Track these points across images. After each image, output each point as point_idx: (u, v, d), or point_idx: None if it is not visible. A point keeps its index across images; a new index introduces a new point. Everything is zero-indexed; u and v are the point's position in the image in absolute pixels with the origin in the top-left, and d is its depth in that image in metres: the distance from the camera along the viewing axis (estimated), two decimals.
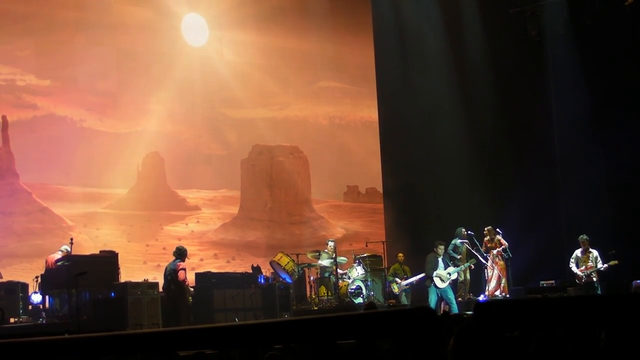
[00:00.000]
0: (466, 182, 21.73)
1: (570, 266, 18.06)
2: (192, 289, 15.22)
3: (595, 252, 17.87)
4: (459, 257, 18.64)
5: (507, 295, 18.54)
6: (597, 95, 20.75)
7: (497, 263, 18.77)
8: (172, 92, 19.71)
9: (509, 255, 18.59)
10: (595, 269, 17.75)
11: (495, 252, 18.77)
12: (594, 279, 17.83)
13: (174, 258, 15.17)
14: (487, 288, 18.74)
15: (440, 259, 17.75)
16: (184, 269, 14.93)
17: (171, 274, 14.92)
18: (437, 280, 17.58)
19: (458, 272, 18.16)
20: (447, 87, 21.96)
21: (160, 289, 15.43)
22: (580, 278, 17.89)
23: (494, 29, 21.77)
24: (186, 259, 15.29)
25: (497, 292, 18.70)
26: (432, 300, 17.64)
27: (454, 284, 18.32)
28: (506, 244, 18.78)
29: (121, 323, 14.11)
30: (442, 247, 17.98)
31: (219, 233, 20.20)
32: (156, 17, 19.77)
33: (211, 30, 20.60)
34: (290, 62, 22.02)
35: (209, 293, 16.19)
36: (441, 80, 22.01)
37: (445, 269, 17.69)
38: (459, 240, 18.82)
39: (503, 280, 18.76)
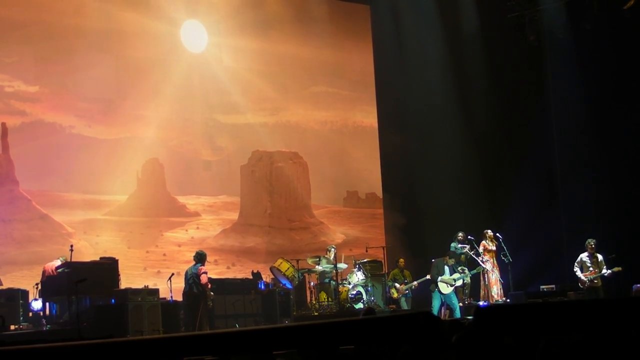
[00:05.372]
0: (466, 187, 21.74)
1: (575, 270, 18.02)
2: (212, 294, 15.64)
3: (600, 257, 17.86)
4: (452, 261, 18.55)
5: (507, 300, 18.53)
6: (596, 99, 20.78)
7: (496, 266, 18.79)
8: (171, 99, 19.72)
9: (509, 259, 18.58)
10: (599, 274, 17.72)
11: (492, 256, 18.80)
12: (599, 284, 17.80)
13: (194, 262, 15.79)
14: (489, 293, 18.67)
15: (447, 267, 17.74)
16: (206, 273, 15.58)
17: (193, 278, 15.52)
18: (441, 286, 17.57)
19: (464, 279, 18.13)
20: (446, 92, 21.98)
21: (182, 294, 15.87)
22: (583, 283, 17.86)
23: (493, 34, 21.81)
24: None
25: (497, 298, 18.70)
26: (435, 305, 17.65)
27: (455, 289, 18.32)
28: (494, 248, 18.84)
29: (122, 330, 14.09)
30: (452, 260, 17.97)
31: (219, 239, 20.20)
32: (155, 24, 19.78)
33: (210, 37, 20.62)
34: (289, 68, 22.04)
35: None
36: (440, 86, 22.04)
37: (451, 275, 17.68)
38: (456, 245, 18.78)
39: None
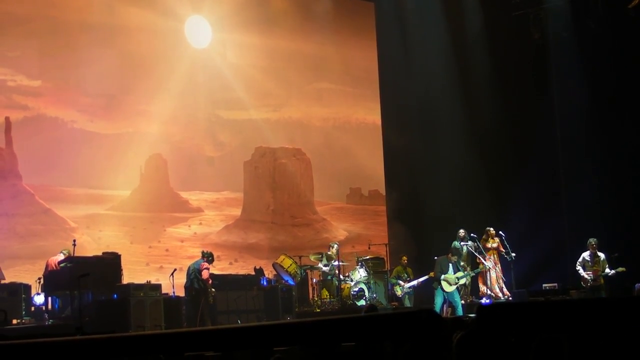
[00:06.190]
0: (469, 185, 21.74)
1: (577, 269, 18.02)
2: (213, 290, 15.64)
3: (602, 256, 17.84)
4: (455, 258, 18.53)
5: (510, 298, 18.54)
6: (600, 98, 20.76)
7: (497, 263, 18.80)
8: (175, 94, 19.72)
9: (511, 257, 18.57)
10: (602, 273, 17.70)
11: (494, 253, 18.81)
12: (601, 283, 17.79)
13: (199, 258, 16.16)
14: (491, 289, 18.66)
15: (451, 265, 17.74)
16: (208, 269, 15.75)
17: (195, 273, 15.72)
18: (444, 284, 17.56)
19: (466, 277, 18.12)
20: (450, 89, 21.98)
21: (183, 288, 16.06)
22: (586, 281, 17.84)
23: (498, 32, 21.80)
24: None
25: (500, 294, 18.73)
26: (438, 302, 17.64)
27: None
28: (499, 246, 18.84)
29: (124, 325, 14.12)
30: (455, 257, 17.96)
31: (222, 235, 20.21)
32: (159, 19, 19.78)
33: (214, 33, 20.61)
34: (293, 64, 22.03)
35: None
36: (444, 83, 22.03)
37: (454, 273, 17.67)
38: (458, 243, 18.78)
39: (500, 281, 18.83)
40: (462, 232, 18.85)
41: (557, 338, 4.81)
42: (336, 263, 17.91)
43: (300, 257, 18.12)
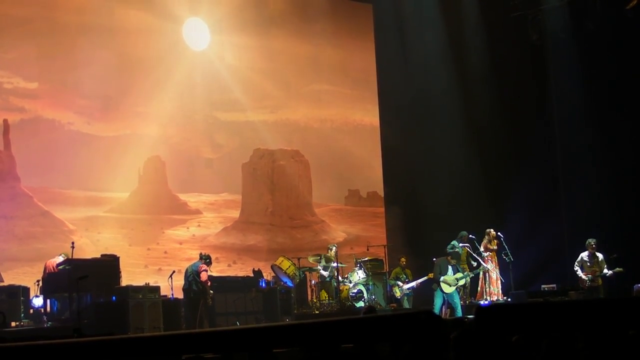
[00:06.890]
0: (468, 185, 21.73)
1: (575, 269, 18.01)
2: (212, 292, 15.70)
3: (601, 256, 17.84)
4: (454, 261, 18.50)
5: (508, 299, 18.53)
6: (598, 99, 20.77)
7: (497, 265, 18.80)
8: (173, 96, 19.72)
9: (510, 259, 18.55)
10: (600, 274, 17.71)
11: (493, 255, 18.80)
12: (600, 284, 17.79)
13: (196, 260, 16.17)
14: (489, 291, 18.66)
15: (451, 266, 17.67)
16: (206, 271, 15.73)
17: (193, 275, 15.69)
18: (443, 286, 17.52)
19: (465, 278, 18.09)
20: (449, 91, 21.97)
21: (182, 290, 16.04)
22: (584, 282, 17.84)
23: (496, 33, 21.80)
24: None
25: (497, 295, 18.72)
26: (437, 304, 17.60)
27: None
28: (495, 248, 18.84)
29: (122, 327, 14.11)
30: (454, 260, 17.91)
31: (220, 237, 20.20)
32: (157, 21, 19.78)
33: (212, 35, 20.61)
34: (292, 66, 22.03)
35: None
36: (442, 85, 22.02)
37: (454, 274, 17.63)
38: (457, 244, 18.73)
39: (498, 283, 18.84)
40: (464, 235, 18.79)
41: (566, 339, 4.81)
42: (335, 265, 17.91)
43: (298, 259, 18.12)
